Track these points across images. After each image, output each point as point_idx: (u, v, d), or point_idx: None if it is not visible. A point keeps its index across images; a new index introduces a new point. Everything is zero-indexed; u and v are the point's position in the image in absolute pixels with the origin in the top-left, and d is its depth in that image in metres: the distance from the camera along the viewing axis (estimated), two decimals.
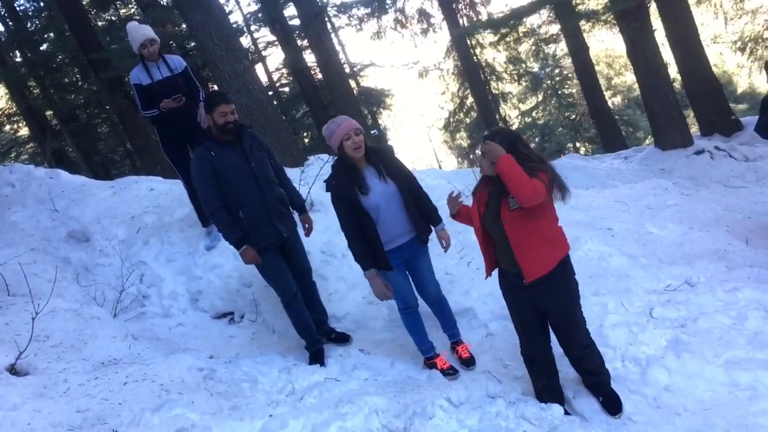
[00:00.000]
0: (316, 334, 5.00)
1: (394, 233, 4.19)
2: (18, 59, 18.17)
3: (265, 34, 21.70)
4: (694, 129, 12.81)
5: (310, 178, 6.83)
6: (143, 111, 5.86)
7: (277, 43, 20.40)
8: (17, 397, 3.58)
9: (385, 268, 4.18)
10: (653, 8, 11.91)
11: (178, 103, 5.72)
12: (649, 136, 18.31)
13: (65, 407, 3.64)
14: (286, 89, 23.12)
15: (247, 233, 4.56)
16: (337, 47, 19.29)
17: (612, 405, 3.82)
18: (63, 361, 4.29)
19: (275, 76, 23.31)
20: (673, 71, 13.07)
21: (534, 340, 3.86)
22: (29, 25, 18.08)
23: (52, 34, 17.87)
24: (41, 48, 17.91)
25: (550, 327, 3.84)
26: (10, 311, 4.98)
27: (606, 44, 24.45)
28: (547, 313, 3.75)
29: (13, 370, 4.01)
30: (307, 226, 5.05)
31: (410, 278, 4.47)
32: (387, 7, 21.51)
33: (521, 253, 3.51)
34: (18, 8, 17.91)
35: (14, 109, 18.99)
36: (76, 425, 3.50)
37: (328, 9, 19.50)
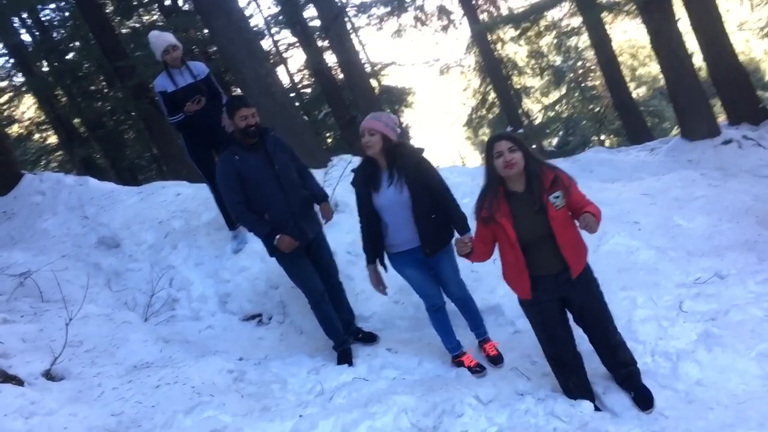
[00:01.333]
0: (344, 334, 5.02)
1: (402, 238, 4.24)
2: (45, 69, 18.48)
3: (285, 36, 21.76)
4: (722, 118, 12.59)
5: (334, 179, 6.86)
6: (169, 117, 5.93)
7: (298, 44, 20.49)
8: (53, 402, 3.66)
9: (382, 264, 4.43)
10: None
11: (198, 104, 5.77)
12: (676, 127, 18.05)
13: (100, 411, 3.71)
14: (308, 90, 23.17)
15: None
16: (358, 47, 19.29)
17: (643, 400, 3.78)
18: (97, 365, 4.38)
19: (297, 78, 23.38)
20: (698, 60, 12.87)
21: (564, 345, 3.83)
22: (55, 34, 18.37)
23: (77, 43, 18.14)
24: (67, 57, 18.20)
25: (578, 325, 3.83)
26: (45, 317, 5.09)
27: (629, 35, 24.12)
28: (581, 308, 3.73)
29: (48, 375, 4.10)
30: (326, 213, 4.99)
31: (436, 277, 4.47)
32: (406, 5, 21.46)
33: (569, 249, 3.53)
34: (44, 18, 18.22)
35: (43, 117, 19.32)
36: (111, 429, 3.57)
37: (348, 9, 19.54)
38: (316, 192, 4.94)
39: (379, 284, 4.47)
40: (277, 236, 4.54)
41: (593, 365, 3.99)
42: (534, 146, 18.15)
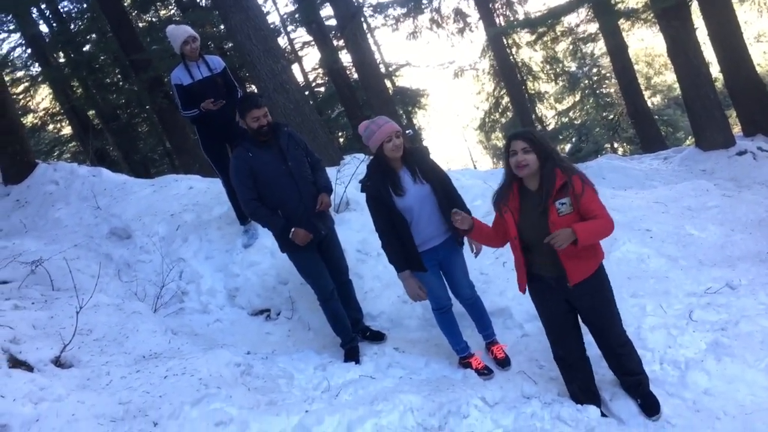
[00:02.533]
0: (352, 332, 5.03)
1: (428, 235, 4.20)
2: (62, 60, 18.61)
3: (301, 35, 21.89)
4: (737, 129, 12.53)
5: (346, 177, 6.87)
6: (183, 111, 5.95)
7: (313, 43, 20.55)
8: (62, 388, 3.68)
9: (419, 269, 4.20)
10: (695, 6, 11.68)
11: (217, 106, 5.77)
12: (690, 137, 17.97)
13: (108, 399, 3.73)
14: (322, 89, 23.25)
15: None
16: (373, 47, 19.32)
17: (650, 407, 3.77)
18: (106, 354, 4.40)
19: (311, 76, 23.50)
20: (715, 70, 12.79)
21: (569, 343, 3.82)
22: (72, 26, 18.49)
23: (94, 35, 18.28)
24: (84, 49, 18.31)
25: (586, 328, 3.82)
26: (55, 305, 5.12)
27: (646, 43, 24.08)
28: (586, 313, 3.71)
29: (58, 362, 4.12)
30: (321, 203, 4.73)
31: (444, 279, 4.46)
32: (423, 6, 21.44)
33: (567, 257, 3.44)
34: (62, 10, 18.34)
35: (58, 108, 19.46)
36: (119, 417, 3.59)
37: (365, 9, 19.56)
38: (320, 183, 4.81)
39: (419, 290, 4.20)
40: (292, 230, 4.56)
41: (601, 371, 3.98)
42: None
